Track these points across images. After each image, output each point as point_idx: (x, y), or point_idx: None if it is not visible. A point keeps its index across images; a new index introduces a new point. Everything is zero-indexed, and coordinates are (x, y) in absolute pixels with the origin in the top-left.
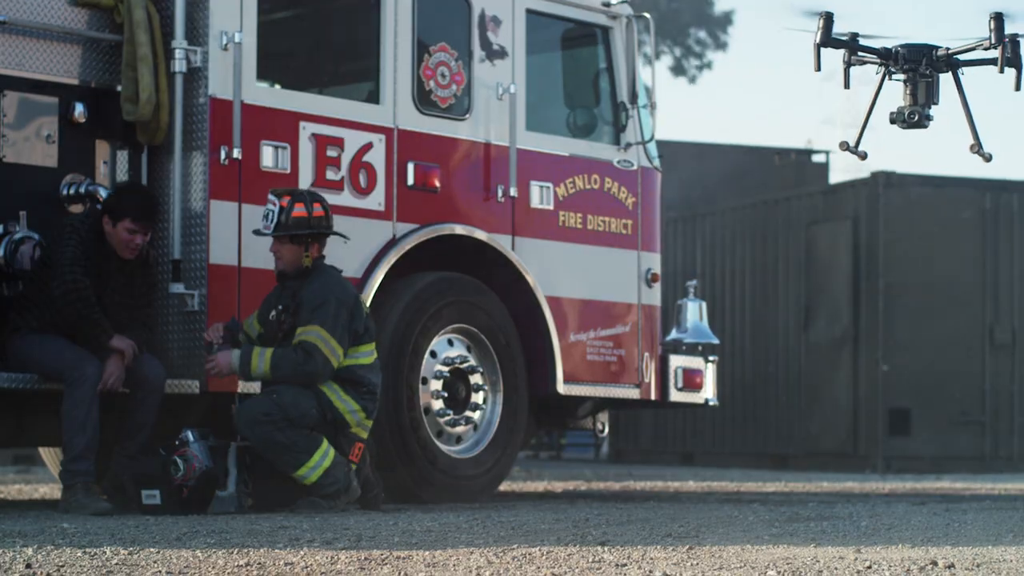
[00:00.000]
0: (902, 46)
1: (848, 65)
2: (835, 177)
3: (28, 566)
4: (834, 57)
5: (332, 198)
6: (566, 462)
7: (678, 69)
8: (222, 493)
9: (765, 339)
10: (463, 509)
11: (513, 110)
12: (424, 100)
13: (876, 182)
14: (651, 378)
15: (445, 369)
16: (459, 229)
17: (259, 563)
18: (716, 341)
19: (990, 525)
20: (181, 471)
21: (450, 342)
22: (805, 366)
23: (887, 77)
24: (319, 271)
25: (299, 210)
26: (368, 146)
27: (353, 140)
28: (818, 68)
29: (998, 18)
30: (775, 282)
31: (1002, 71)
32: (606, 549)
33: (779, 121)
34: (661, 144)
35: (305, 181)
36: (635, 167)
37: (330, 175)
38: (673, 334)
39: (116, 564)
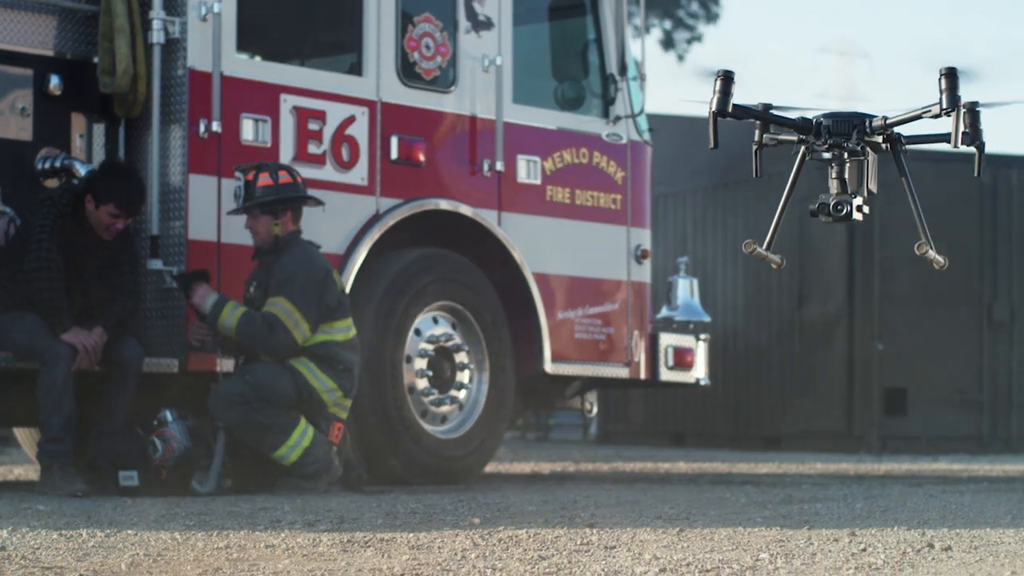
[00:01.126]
0: (826, 116)
1: (759, 146)
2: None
3: (3, 548)
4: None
5: (314, 172)
6: (554, 443)
7: (668, 43)
8: (201, 476)
9: (757, 317)
10: (448, 491)
11: (499, 82)
12: (408, 72)
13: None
14: (641, 357)
15: (430, 347)
16: (444, 204)
17: (239, 545)
18: (707, 319)
19: (988, 507)
20: (159, 452)
21: (435, 320)
22: (798, 345)
23: (807, 156)
24: (293, 244)
25: (264, 179)
26: (351, 119)
27: (335, 113)
28: (714, 144)
29: (950, 76)
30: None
31: (956, 147)
32: (594, 531)
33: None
34: (651, 118)
35: (286, 155)
36: (624, 141)
37: (312, 149)
38: (663, 312)
39: (93, 546)
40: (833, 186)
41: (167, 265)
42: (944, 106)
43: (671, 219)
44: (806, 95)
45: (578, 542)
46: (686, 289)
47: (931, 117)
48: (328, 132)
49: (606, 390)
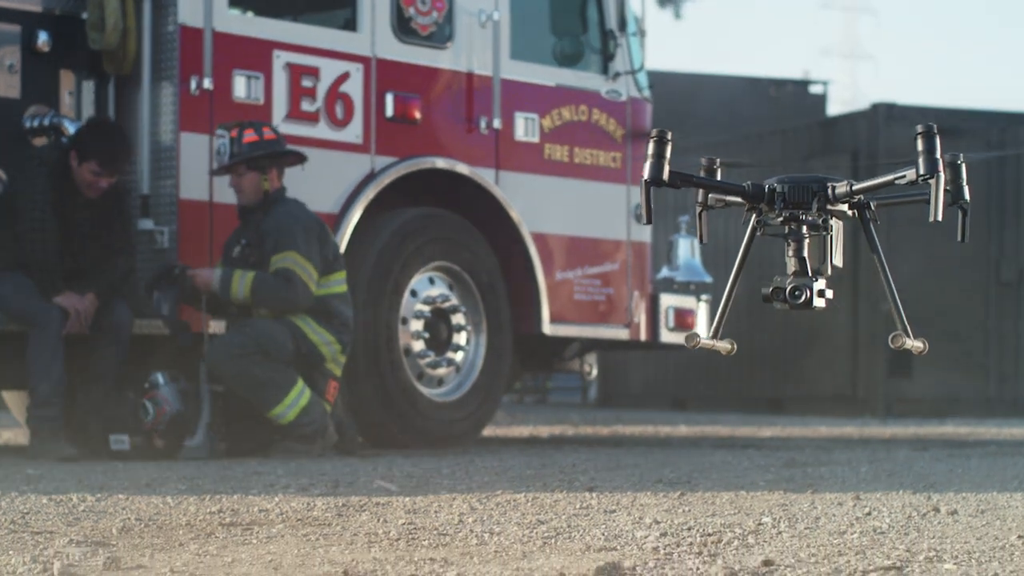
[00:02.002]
0: (783, 181)
1: (704, 208)
2: (833, 109)
3: None
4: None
5: (307, 130)
6: (552, 406)
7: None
8: (192, 439)
9: (760, 277)
10: (445, 454)
11: (497, 38)
12: (403, 28)
13: (877, 114)
14: (641, 318)
15: (426, 308)
16: (440, 163)
17: (232, 509)
18: (709, 279)
19: (995, 471)
20: (151, 415)
21: (431, 280)
22: None
23: (759, 229)
24: (280, 201)
25: (250, 135)
26: (345, 76)
27: (329, 70)
28: (648, 219)
29: (927, 136)
30: None
31: (935, 219)
32: (594, 495)
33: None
34: (651, 74)
35: (279, 113)
36: (624, 98)
37: (305, 106)
38: (664, 272)
39: (83, 511)
40: (790, 265)
41: (158, 225)
42: (922, 172)
43: None
44: (810, 52)
45: (577, 506)
46: (687, 249)
47: (906, 184)
48: (322, 89)
49: (606, 352)
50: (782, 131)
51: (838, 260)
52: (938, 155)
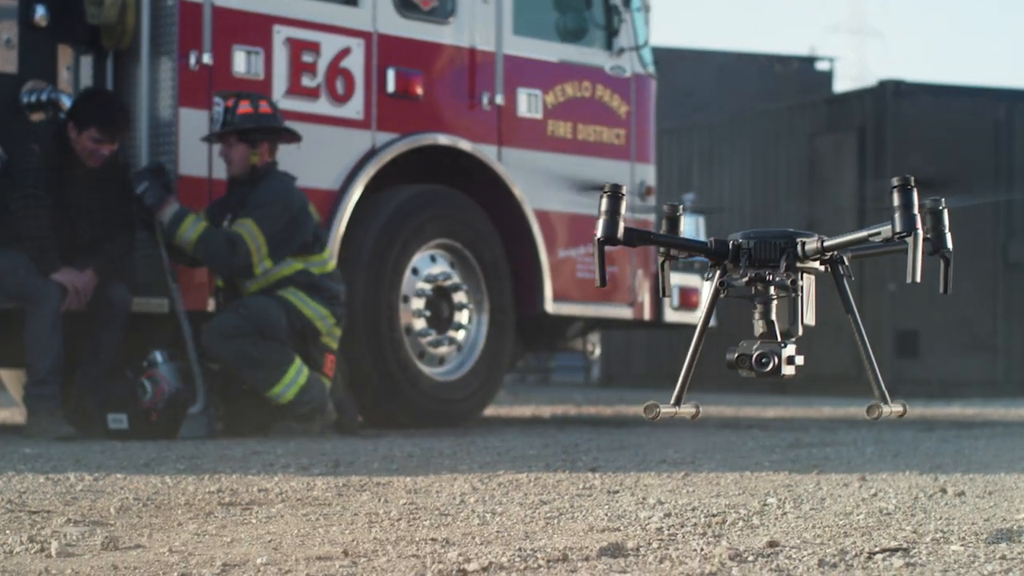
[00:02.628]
0: (748, 236)
1: (666, 259)
2: (840, 86)
3: None
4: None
5: (308, 106)
6: (555, 386)
7: None
8: (192, 416)
9: None
10: (446, 434)
11: (499, 13)
12: (405, 2)
13: (884, 91)
14: (645, 297)
15: (427, 287)
16: (442, 139)
17: (231, 489)
18: None
19: (1002, 452)
20: (149, 394)
21: (433, 258)
22: None
23: (723, 290)
24: (270, 175)
25: (245, 107)
26: (346, 51)
27: (330, 45)
28: (602, 282)
29: (903, 190)
30: (776, 197)
31: (912, 278)
32: (597, 476)
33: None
34: (655, 50)
35: (279, 88)
36: (628, 74)
37: (306, 82)
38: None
39: (81, 491)
40: (757, 327)
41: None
42: (898, 229)
43: (676, 155)
44: (817, 28)
45: (580, 486)
46: (692, 227)
47: (881, 242)
48: (322, 64)
49: (609, 331)
50: (787, 108)
51: (810, 319)
52: (915, 211)
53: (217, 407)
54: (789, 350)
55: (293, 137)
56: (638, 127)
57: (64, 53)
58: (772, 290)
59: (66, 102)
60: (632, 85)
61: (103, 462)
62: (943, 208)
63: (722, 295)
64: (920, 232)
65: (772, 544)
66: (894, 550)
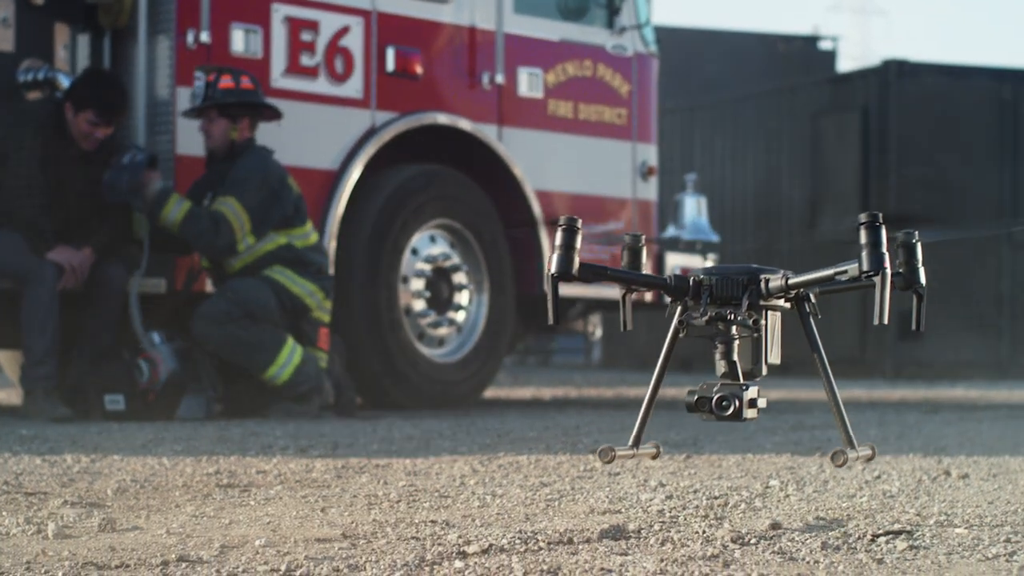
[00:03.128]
0: (710, 273)
1: (628, 291)
2: (843, 65)
3: None
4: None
5: (307, 85)
6: (555, 368)
7: None
8: (190, 398)
9: (768, 237)
10: (446, 416)
11: None
12: None
13: (888, 71)
14: None
15: (427, 267)
16: (442, 118)
17: (229, 471)
18: (716, 239)
19: (1007, 434)
20: (146, 375)
21: (432, 239)
22: (810, 265)
23: (683, 330)
24: (249, 150)
25: (226, 82)
26: (345, 29)
27: (329, 23)
28: (555, 319)
29: (871, 228)
30: (778, 177)
31: (880, 320)
32: (598, 457)
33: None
34: (657, 29)
35: (278, 67)
36: (630, 53)
37: (304, 60)
38: (670, 231)
39: (78, 472)
40: (719, 368)
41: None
42: (865, 268)
43: (678, 135)
44: (820, 7)
45: (581, 468)
46: (694, 207)
47: (848, 281)
48: (321, 43)
49: (610, 313)
50: (790, 88)
51: (775, 358)
52: (884, 249)
53: (215, 388)
54: (751, 392)
55: (274, 114)
56: (640, 106)
57: (61, 32)
58: (734, 329)
59: (63, 81)
60: (634, 64)
61: (100, 443)
62: (916, 242)
63: (681, 334)
64: (888, 271)
65: (774, 526)
66: (897, 533)
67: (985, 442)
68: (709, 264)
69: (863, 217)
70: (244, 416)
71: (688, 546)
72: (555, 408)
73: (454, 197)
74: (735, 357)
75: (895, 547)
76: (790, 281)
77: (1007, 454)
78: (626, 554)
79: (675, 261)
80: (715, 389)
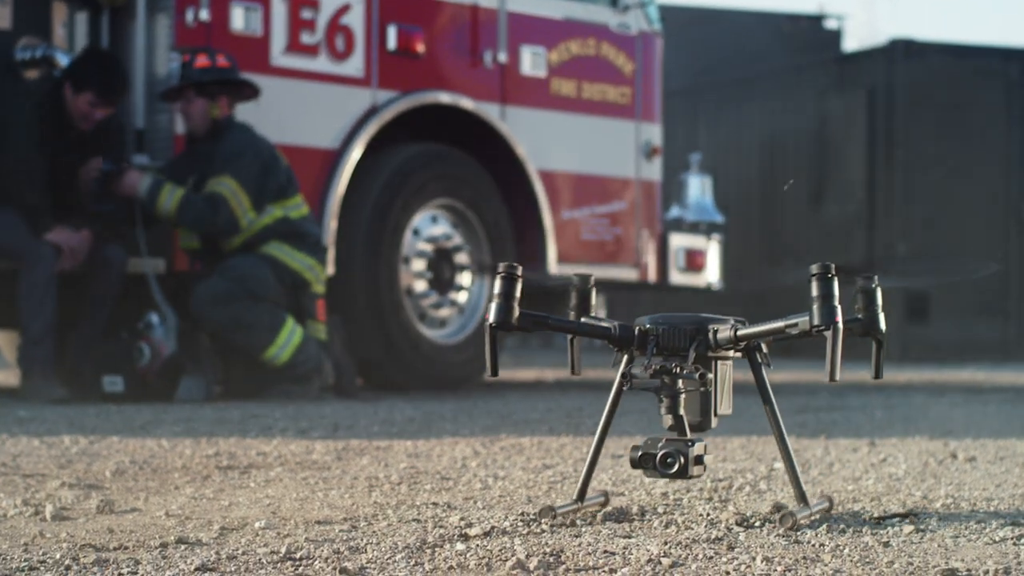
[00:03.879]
0: (656, 322)
1: (576, 335)
2: (849, 45)
3: None
4: None
5: (307, 63)
6: (558, 349)
7: None
8: (189, 380)
9: (772, 218)
10: (447, 398)
11: None
12: None
13: (894, 50)
14: (650, 259)
15: (429, 248)
16: (444, 97)
17: (229, 453)
18: (720, 219)
19: (1014, 417)
20: (146, 357)
21: (434, 219)
22: (815, 247)
23: (626, 383)
24: (230, 128)
25: (202, 61)
26: (346, 7)
27: (330, 0)
28: (493, 372)
29: (823, 280)
30: (783, 157)
31: (831, 378)
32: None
33: None
34: (661, 8)
35: (278, 45)
36: (634, 31)
37: (305, 39)
38: (674, 211)
39: (76, 453)
40: (665, 421)
41: (153, 160)
42: (816, 323)
43: (682, 115)
44: None
45: (584, 450)
46: (698, 188)
47: (798, 335)
48: (322, 21)
49: (614, 293)
50: (796, 67)
51: (726, 409)
52: (836, 302)
53: (214, 370)
54: (697, 449)
55: (253, 91)
56: (644, 86)
57: (59, 10)
58: (680, 384)
59: (61, 60)
60: (638, 43)
61: (98, 425)
62: (876, 287)
63: (625, 388)
64: (840, 326)
65: (779, 509)
66: (904, 516)
67: (992, 425)
68: (716, 240)
69: (814, 268)
70: (244, 397)
71: (692, 529)
72: (558, 390)
73: (456, 177)
74: (681, 411)
75: (901, 530)
76: (739, 333)
77: (1014, 437)
78: (629, 537)
79: (679, 242)
80: (660, 445)
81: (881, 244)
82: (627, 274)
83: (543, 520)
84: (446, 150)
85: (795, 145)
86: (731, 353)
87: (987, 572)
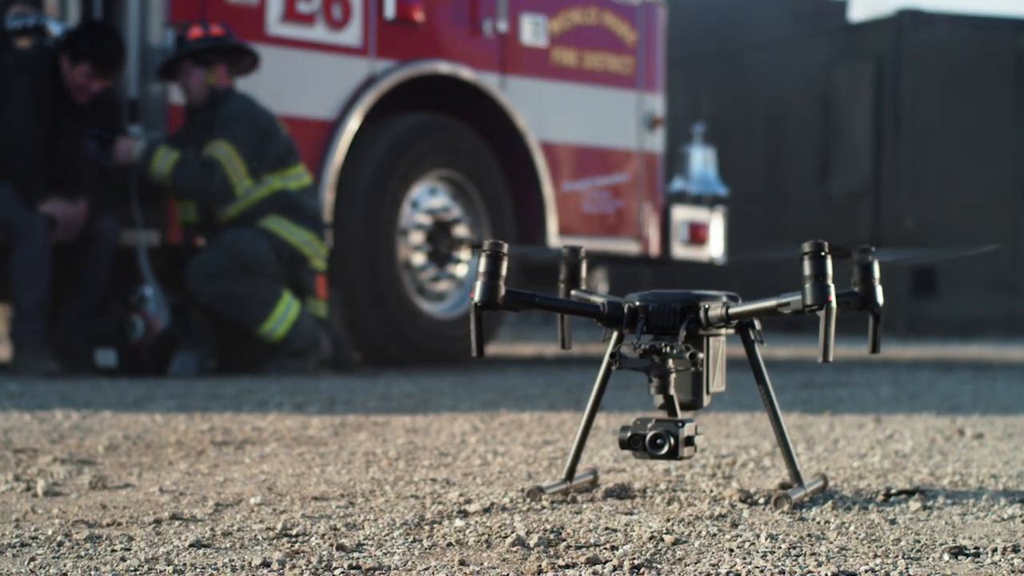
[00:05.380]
0: (646, 299)
1: (564, 310)
2: (856, 14)
3: None
4: None
5: (304, 32)
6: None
7: None
8: (183, 354)
9: (777, 191)
10: (446, 372)
11: None
12: None
13: (902, 20)
14: (652, 232)
15: (427, 220)
16: (443, 67)
17: (224, 428)
18: (724, 192)
19: (1022, 393)
20: (139, 331)
21: (433, 191)
22: (821, 220)
23: (615, 363)
24: (229, 97)
25: (196, 31)
26: None
27: None
28: (479, 351)
29: (816, 258)
30: (789, 129)
31: (824, 358)
32: (602, 415)
33: None
34: None
35: (274, 13)
36: (637, 0)
37: (301, 7)
38: (677, 184)
39: (68, 428)
40: (656, 402)
41: (147, 131)
42: (808, 302)
43: (686, 85)
44: None
45: None
46: (701, 160)
47: (791, 313)
48: None
49: (615, 267)
50: (801, 37)
51: (719, 386)
52: (829, 282)
53: (209, 344)
54: (688, 429)
55: (252, 60)
56: (646, 55)
57: None
58: (670, 364)
59: (53, 28)
60: (640, 12)
61: (91, 399)
62: (872, 259)
63: (614, 367)
64: (833, 306)
65: (784, 486)
66: (911, 493)
67: (1000, 401)
68: (719, 213)
69: (807, 247)
70: (239, 372)
71: (695, 505)
72: (558, 365)
73: (455, 148)
74: (672, 391)
75: (908, 507)
76: (730, 311)
77: (1023, 413)
78: (631, 513)
79: (682, 215)
80: (650, 426)
81: (888, 218)
82: (629, 247)
83: (531, 501)
84: (445, 121)
85: (800, 116)
86: (723, 330)
87: (995, 550)
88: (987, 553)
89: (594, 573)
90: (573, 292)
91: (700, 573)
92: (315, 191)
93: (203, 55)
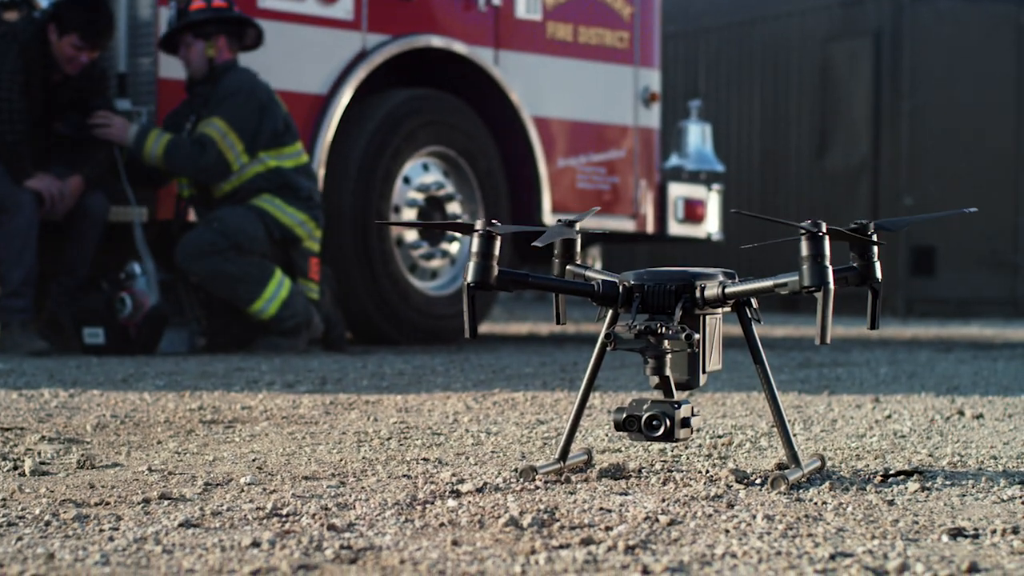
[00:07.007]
0: (642, 277)
1: (562, 270)
2: None
3: None
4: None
5: (295, 6)
6: (553, 303)
7: None
8: (172, 332)
9: (775, 167)
10: (438, 351)
11: None
12: None
13: None
14: (648, 209)
15: (419, 196)
16: (436, 41)
17: (213, 406)
18: (721, 168)
19: (1022, 374)
20: (128, 309)
21: (425, 167)
22: (819, 197)
23: (609, 343)
24: (229, 70)
25: (197, 3)
26: None
27: None
28: (472, 333)
29: (814, 239)
30: (787, 104)
31: (822, 340)
32: (596, 395)
33: None
34: None
35: None
36: None
37: None
38: (673, 160)
39: (56, 407)
40: (651, 382)
41: (136, 105)
42: (806, 283)
43: (682, 60)
44: None
45: None
46: (698, 136)
47: (787, 293)
48: None
49: (610, 245)
50: (800, 11)
51: (715, 364)
52: (827, 262)
53: (199, 322)
54: (684, 411)
55: (256, 35)
56: (642, 30)
57: None
58: (665, 345)
59: (40, 0)
60: None
61: (79, 378)
62: (872, 234)
63: (609, 348)
64: (831, 287)
65: (780, 467)
66: (909, 473)
67: (1000, 382)
68: (716, 190)
69: (805, 225)
70: (229, 351)
71: (691, 486)
72: (552, 344)
73: (448, 123)
74: (667, 372)
75: (907, 488)
76: (727, 291)
77: (1023, 394)
78: (626, 493)
79: (678, 192)
80: (645, 407)
81: (887, 194)
82: (624, 224)
83: (525, 480)
84: (438, 96)
85: (799, 91)
86: (720, 309)
87: (994, 531)
88: (986, 534)
89: (588, 554)
90: (568, 267)
91: (695, 554)
92: (312, 171)
93: (203, 26)
